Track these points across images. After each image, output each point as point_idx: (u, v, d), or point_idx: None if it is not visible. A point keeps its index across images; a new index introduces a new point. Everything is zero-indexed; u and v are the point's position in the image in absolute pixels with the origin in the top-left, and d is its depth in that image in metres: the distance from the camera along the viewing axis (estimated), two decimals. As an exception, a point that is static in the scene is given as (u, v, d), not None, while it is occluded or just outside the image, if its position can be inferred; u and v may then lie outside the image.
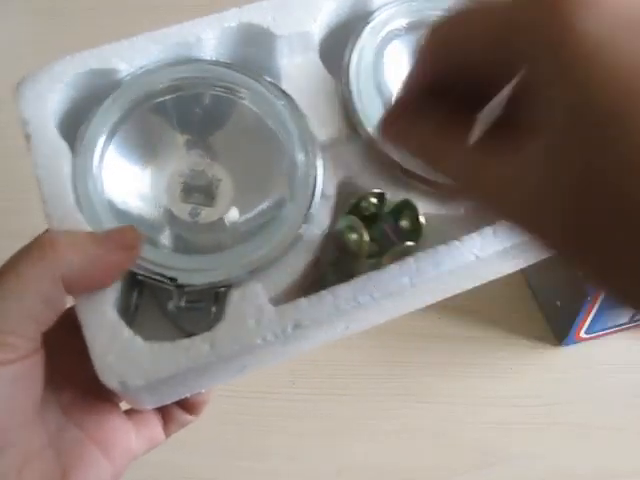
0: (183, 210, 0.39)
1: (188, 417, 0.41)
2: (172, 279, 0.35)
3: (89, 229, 0.35)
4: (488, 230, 0.36)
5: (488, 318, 0.67)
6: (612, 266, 0.24)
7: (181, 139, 0.40)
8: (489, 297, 0.67)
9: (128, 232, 0.35)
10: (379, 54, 0.41)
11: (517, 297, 0.68)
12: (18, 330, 0.32)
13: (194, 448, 0.61)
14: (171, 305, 0.36)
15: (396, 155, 0.38)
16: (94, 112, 0.38)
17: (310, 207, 0.37)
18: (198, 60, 0.40)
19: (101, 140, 0.38)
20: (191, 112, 0.40)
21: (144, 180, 0.39)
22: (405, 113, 0.30)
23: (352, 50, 0.40)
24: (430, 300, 0.39)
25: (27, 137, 0.37)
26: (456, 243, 0.36)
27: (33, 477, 0.33)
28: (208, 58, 0.41)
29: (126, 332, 0.34)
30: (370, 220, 0.37)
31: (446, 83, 0.29)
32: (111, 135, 0.38)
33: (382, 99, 0.40)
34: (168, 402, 0.39)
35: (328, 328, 0.37)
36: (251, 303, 0.35)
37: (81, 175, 0.37)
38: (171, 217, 0.39)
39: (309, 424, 0.63)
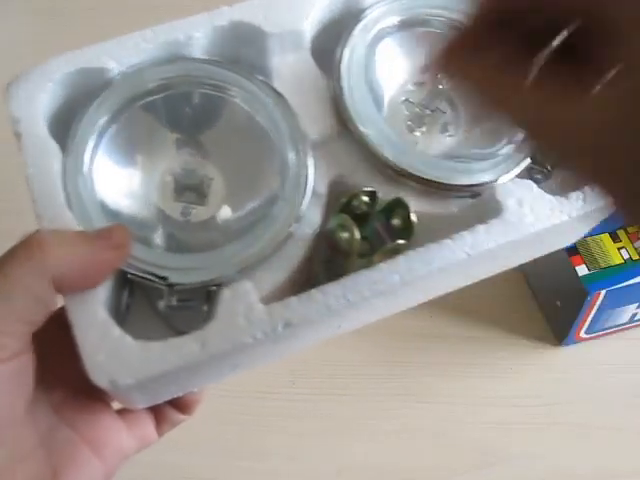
0: (175, 209, 0.39)
1: (181, 416, 0.41)
2: (163, 278, 0.35)
3: (80, 228, 0.35)
4: (479, 228, 0.36)
5: (488, 318, 0.67)
6: None
7: (172, 138, 0.40)
8: (489, 297, 0.67)
9: (118, 231, 0.35)
10: (370, 52, 0.41)
11: (517, 297, 0.68)
12: (7, 330, 0.32)
13: (194, 448, 0.61)
14: (162, 304, 0.36)
15: (388, 153, 0.38)
16: (84, 111, 0.38)
17: (301, 205, 0.37)
18: (189, 59, 0.40)
19: (92, 139, 0.37)
20: (182, 111, 0.40)
21: (135, 179, 0.39)
22: (469, 43, 0.29)
23: (344, 48, 0.40)
24: (422, 298, 0.39)
25: (17, 136, 0.37)
26: (447, 241, 0.36)
27: (24, 477, 0.33)
28: (199, 57, 0.41)
29: (116, 331, 0.34)
30: (361, 219, 0.37)
31: (513, 17, 0.27)
32: (102, 134, 0.38)
33: (373, 96, 0.40)
34: (160, 401, 0.39)
35: (319, 327, 0.37)
36: (242, 302, 0.34)
37: (71, 174, 0.37)
38: (163, 216, 0.39)
39: (309, 424, 0.63)
